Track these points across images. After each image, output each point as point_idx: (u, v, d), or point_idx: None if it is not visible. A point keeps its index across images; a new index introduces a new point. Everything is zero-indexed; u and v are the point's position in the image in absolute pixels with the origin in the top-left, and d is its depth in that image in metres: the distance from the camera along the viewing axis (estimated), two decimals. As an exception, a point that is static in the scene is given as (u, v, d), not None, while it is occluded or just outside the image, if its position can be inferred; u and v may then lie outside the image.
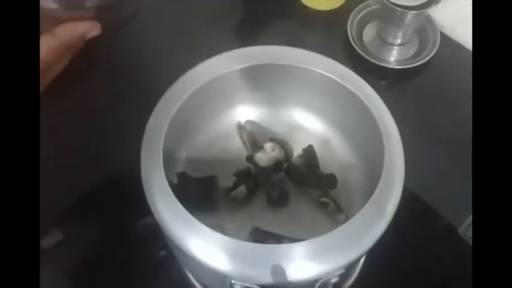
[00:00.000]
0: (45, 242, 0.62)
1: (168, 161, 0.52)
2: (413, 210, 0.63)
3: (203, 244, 0.45)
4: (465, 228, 0.63)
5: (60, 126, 0.69)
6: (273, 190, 0.56)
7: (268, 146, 0.57)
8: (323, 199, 0.55)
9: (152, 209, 0.47)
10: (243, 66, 0.55)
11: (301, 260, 0.44)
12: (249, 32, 0.82)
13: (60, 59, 0.42)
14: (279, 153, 0.57)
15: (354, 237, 0.45)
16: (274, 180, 0.57)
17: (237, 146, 0.60)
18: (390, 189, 0.47)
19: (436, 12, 0.79)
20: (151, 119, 0.52)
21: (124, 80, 0.76)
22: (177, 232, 0.45)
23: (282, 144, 0.58)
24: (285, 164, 0.58)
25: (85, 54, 0.77)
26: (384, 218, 0.46)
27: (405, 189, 0.49)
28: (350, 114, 0.56)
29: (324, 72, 0.54)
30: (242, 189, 0.55)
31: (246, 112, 0.62)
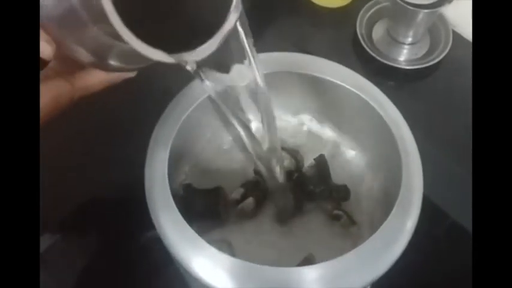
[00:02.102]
0: (44, 249, 0.60)
1: (174, 172, 0.51)
2: (422, 211, 0.62)
3: (210, 266, 0.43)
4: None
5: (61, 130, 0.68)
6: (283, 202, 0.54)
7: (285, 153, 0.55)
8: (335, 212, 0.53)
9: (157, 227, 0.45)
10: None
11: (314, 285, 0.42)
12: (254, 29, 0.80)
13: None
14: (290, 163, 0.55)
15: (368, 261, 0.43)
16: (284, 191, 0.55)
17: (244, 155, 0.58)
18: (408, 210, 0.45)
19: (449, 10, 0.77)
20: (155, 132, 0.50)
21: (127, 80, 0.74)
22: (182, 253, 0.43)
23: (293, 154, 0.56)
24: (296, 175, 0.56)
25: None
26: (401, 241, 0.44)
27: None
28: (364, 125, 0.53)
29: (337, 81, 0.52)
30: (250, 201, 0.53)
31: (254, 120, 0.59)
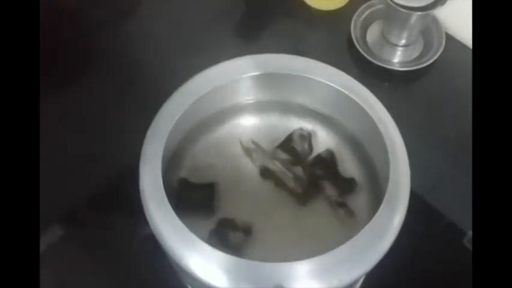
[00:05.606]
0: (44, 249, 0.61)
1: (170, 167, 0.52)
2: (416, 211, 0.62)
3: (202, 262, 0.44)
4: (470, 238, 0.62)
5: (60, 126, 0.69)
6: (298, 184, 0.55)
7: (296, 135, 0.57)
8: (340, 199, 0.54)
9: (150, 224, 0.46)
10: (246, 75, 0.54)
11: (305, 279, 0.43)
12: (250, 31, 0.81)
13: None
14: (307, 147, 0.56)
15: (358, 255, 0.44)
16: (297, 173, 0.56)
17: (239, 150, 0.59)
18: (395, 206, 0.46)
19: (442, 13, 0.77)
20: (151, 129, 0.51)
21: (124, 78, 0.75)
22: (176, 250, 0.44)
23: (309, 138, 0.57)
24: (309, 158, 0.57)
25: (85, 52, 0.78)
26: (389, 236, 0.45)
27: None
28: (355, 125, 0.55)
29: (328, 82, 0.53)
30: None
31: (248, 120, 0.61)
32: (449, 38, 0.78)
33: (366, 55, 0.76)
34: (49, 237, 0.62)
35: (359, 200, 0.55)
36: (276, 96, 0.58)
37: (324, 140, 0.60)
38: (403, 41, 0.78)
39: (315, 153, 0.58)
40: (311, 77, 0.54)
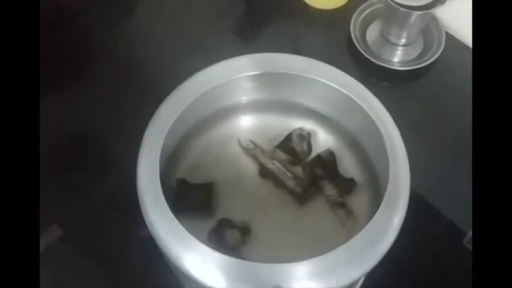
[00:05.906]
0: (44, 249, 0.61)
1: (169, 167, 0.52)
2: (416, 211, 0.62)
3: (199, 262, 0.44)
4: (470, 238, 0.62)
5: (59, 124, 0.69)
6: (297, 184, 0.55)
7: (295, 135, 0.57)
8: (339, 199, 0.54)
9: (148, 225, 0.46)
10: (244, 74, 0.54)
11: (303, 280, 0.43)
12: (249, 31, 0.81)
13: None
14: (306, 147, 0.56)
15: (358, 256, 0.44)
16: (297, 173, 0.56)
17: (238, 150, 0.59)
18: (395, 206, 0.46)
19: (442, 12, 0.77)
20: (148, 130, 0.51)
21: (123, 78, 0.75)
22: (173, 250, 0.44)
23: (308, 138, 0.57)
24: (308, 158, 0.57)
25: (84, 52, 0.78)
26: (389, 236, 0.45)
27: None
28: (354, 125, 0.54)
29: (327, 82, 0.53)
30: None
31: (247, 120, 0.61)
32: (449, 37, 0.78)
33: (365, 54, 0.76)
34: (49, 237, 0.62)
35: (359, 200, 0.55)
36: (276, 95, 0.58)
37: (323, 140, 0.59)
38: (403, 41, 0.77)
39: (314, 153, 0.58)
40: (310, 76, 0.53)
